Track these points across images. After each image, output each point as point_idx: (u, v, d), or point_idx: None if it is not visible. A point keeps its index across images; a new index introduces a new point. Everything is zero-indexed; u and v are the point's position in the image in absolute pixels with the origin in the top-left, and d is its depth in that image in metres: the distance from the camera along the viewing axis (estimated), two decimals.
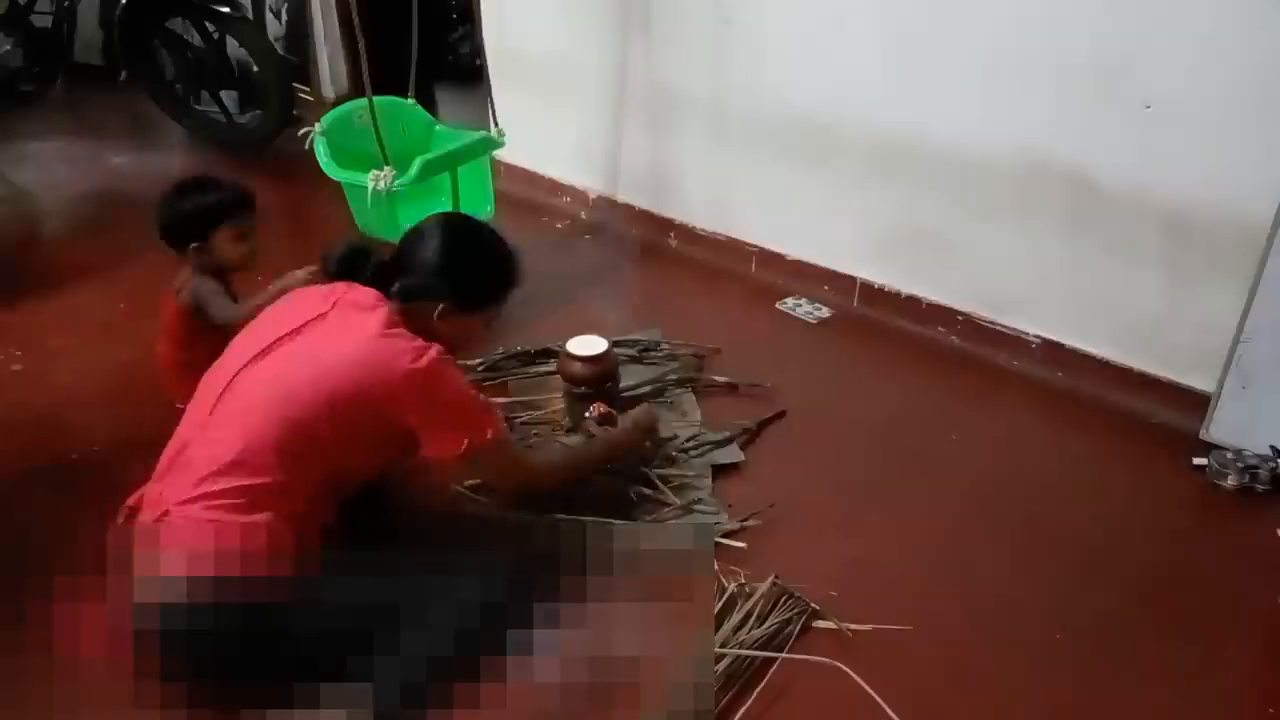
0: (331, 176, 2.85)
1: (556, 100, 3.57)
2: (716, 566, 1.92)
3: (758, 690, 1.66)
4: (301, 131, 3.00)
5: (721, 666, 1.66)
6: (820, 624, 1.81)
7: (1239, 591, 1.95)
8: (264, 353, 1.59)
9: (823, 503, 2.17)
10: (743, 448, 2.33)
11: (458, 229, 1.79)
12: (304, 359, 1.58)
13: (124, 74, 4.41)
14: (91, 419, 2.45)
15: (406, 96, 3.14)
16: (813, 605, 1.82)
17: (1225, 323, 2.26)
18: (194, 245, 2.20)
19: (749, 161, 3.13)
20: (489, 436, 1.71)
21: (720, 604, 1.80)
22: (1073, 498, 2.21)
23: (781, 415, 2.46)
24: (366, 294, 1.68)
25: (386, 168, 2.63)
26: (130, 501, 1.68)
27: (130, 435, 2.36)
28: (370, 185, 2.61)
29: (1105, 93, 2.33)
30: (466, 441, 1.67)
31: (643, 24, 3.20)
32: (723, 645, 1.71)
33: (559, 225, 3.59)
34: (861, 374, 2.72)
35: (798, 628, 1.78)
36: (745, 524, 2.06)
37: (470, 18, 3.46)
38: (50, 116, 4.39)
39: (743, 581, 1.86)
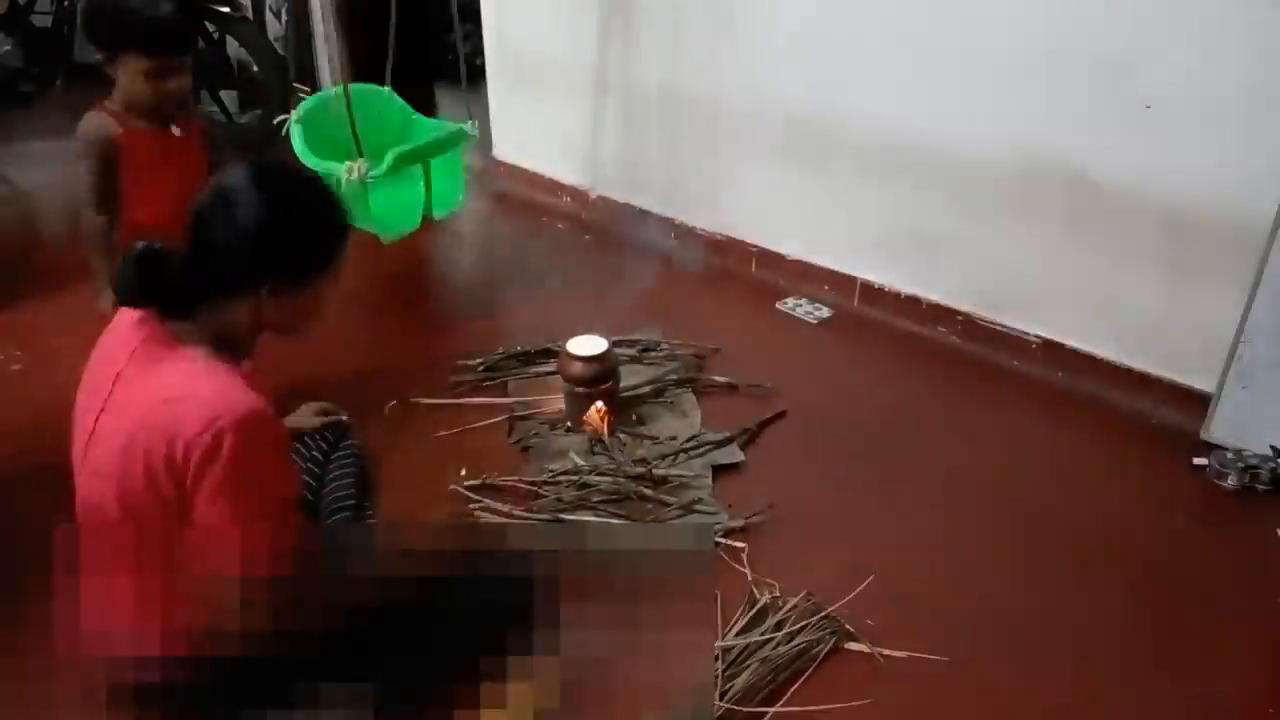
0: (306, 164, 2.85)
1: (557, 100, 3.57)
2: (750, 576, 1.92)
3: (781, 702, 1.66)
4: (278, 119, 3.00)
5: (742, 679, 1.66)
6: (852, 646, 1.78)
7: (1239, 591, 1.95)
8: (89, 441, 1.34)
9: (823, 502, 2.17)
10: (743, 448, 2.33)
11: (263, 185, 1.33)
12: (111, 447, 1.29)
13: None
14: None
15: (383, 85, 3.15)
16: (846, 627, 1.81)
17: (1225, 323, 2.26)
18: (97, 56, 1.89)
19: (749, 161, 3.13)
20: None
21: (752, 613, 1.80)
22: (1073, 497, 2.21)
23: (781, 415, 2.45)
24: (162, 338, 1.32)
25: (360, 159, 2.64)
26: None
27: None
28: (344, 176, 2.62)
29: (1105, 93, 2.33)
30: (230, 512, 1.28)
31: (643, 24, 3.19)
32: (749, 656, 1.70)
33: (559, 225, 3.59)
34: (861, 374, 2.72)
35: (827, 648, 1.77)
36: (746, 524, 2.06)
37: (471, 17, 3.46)
38: (50, 116, 4.37)
39: (777, 594, 1.86)
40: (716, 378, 2.60)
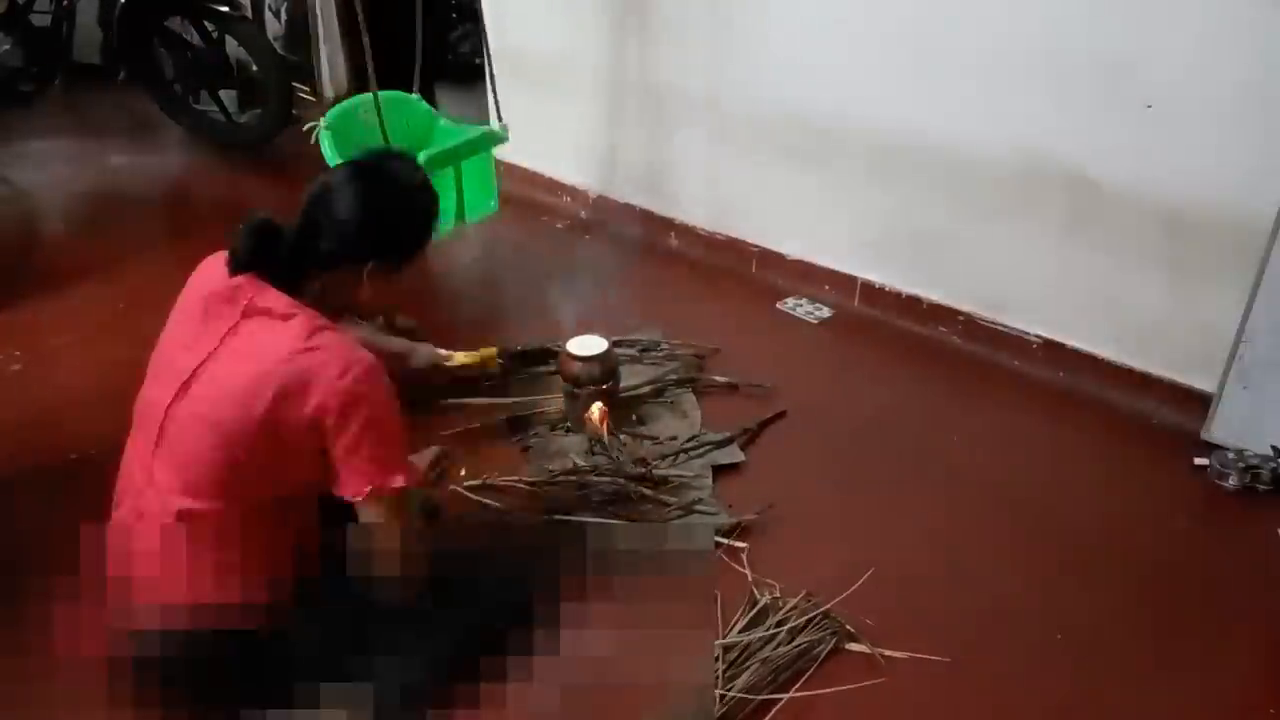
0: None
1: (557, 99, 3.57)
2: (750, 576, 1.92)
3: (783, 703, 1.66)
4: (306, 126, 2.99)
5: (743, 679, 1.65)
6: (853, 647, 1.78)
7: (1239, 591, 1.95)
8: (187, 385, 1.44)
9: (823, 502, 2.17)
10: (743, 448, 2.33)
11: (369, 176, 1.53)
12: (226, 387, 1.42)
13: (123, 74, 4.40)
14: (91, 419, 2.44)
15: (411, 92, 3.14)
16: (847, 628, 1.81)
17: (1226, 323, 2.26)
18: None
19: (750, 161, 3.12)
20: (397, 485, 1.46)
21: (752, 613, 1.80)
22: (1074, 498, 2.20)
23: (781, 415, 2.45)
24: (276, 299, 1.46)
25: None
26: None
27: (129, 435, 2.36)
28: None
29: (1105, 93, 2.32)
30: (370, 488, 1.44)
31: (643, 23, 3.19)
32: (750, 655, 1.70)
33: (559, 225, 3.59)
34: (862, 374, 2.72)
35: (828, 648, 1.77)
36: (744, 524, 2.06)
37: (472, 16, 3.45)
38: (50, 116, 4.39)
39: (777, 595, 1.85)
40: (716, 378, 2.60)
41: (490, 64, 3.14)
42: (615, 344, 2.43)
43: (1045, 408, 2.54)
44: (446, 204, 2.84)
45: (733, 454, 2.30)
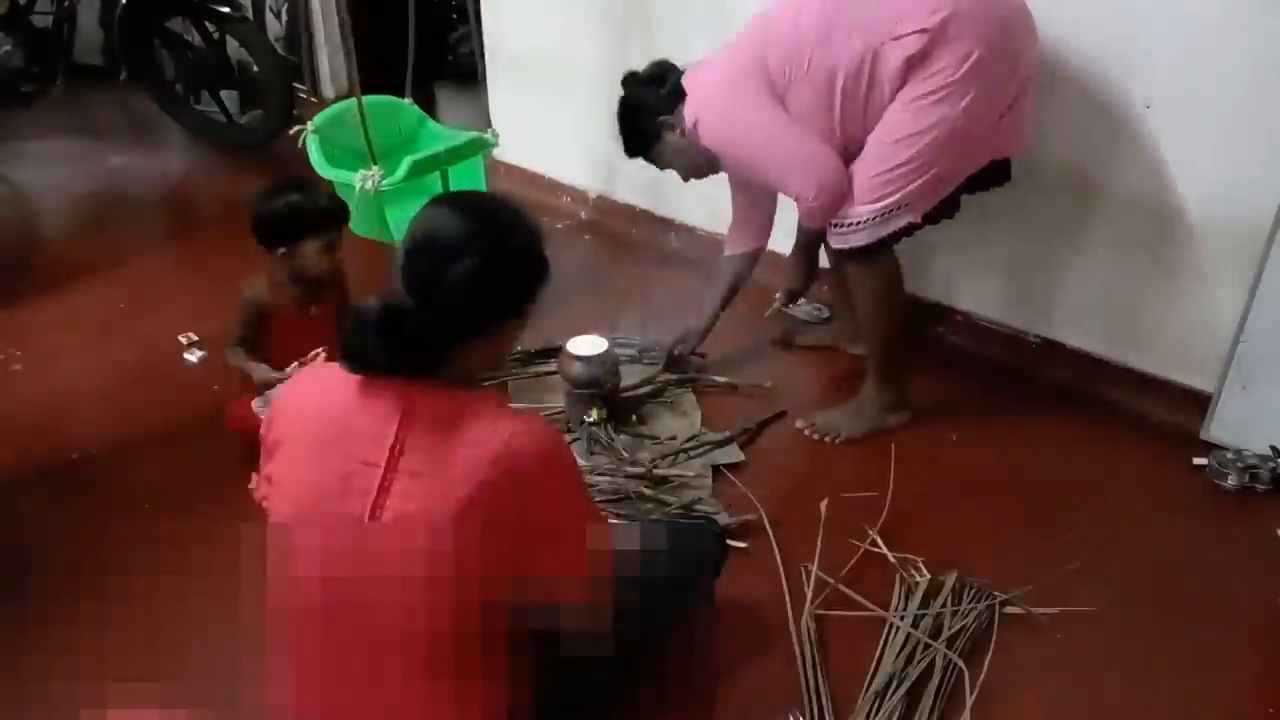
0: (322, 175, 2.84)
1: (556, 100, 3.57)
2: (894, 558, 1.95)
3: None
4: (294, 130, 2.99)
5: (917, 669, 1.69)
6: (1011, 610, 1.85)
7: (1239, 591, 1.95)
8: (361, 528, 1.19)
9: (823, 503, 2.17)
10: (742, 448, 2.33)
11: (478, 226, 1.27)
12: (431, 518, 1.18)
13: (124, 74, 4.40)
14: (91, 419, 2.45)
15: (403, 97, 3.13)
16: (998, 595, 1.86)
17: (1225, 323, 2.26)
18: (281, 250, 2.15)
19: None
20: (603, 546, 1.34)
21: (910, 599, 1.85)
22: (1072, 497, 2.20)
23: (782, 415, 2.46)
24: (434, 392, 1.23)
25: (375, 167, 2.62)
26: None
27: (130, 435, 2.37)
28: (358, 185, 2.60)
29: (1106, 92, 2.33)
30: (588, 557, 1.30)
31: (642, 23, 3.19)
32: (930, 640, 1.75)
33: (559, 225, 3.59)
34: (861, 374, 2.71)
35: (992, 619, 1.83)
36: (745, 523, 2.06)
37: (470, 17, 3.46)
38: (50, 116, 4.39)
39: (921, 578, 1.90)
40: (716, 378, 2.60)
41: (484, 68, 3.13)
42: (615, 344, 2.43)
43: (1044, 407, 2.54)
44: None
45: (732, 454, 2.30)
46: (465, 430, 1.20)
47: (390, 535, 1.19)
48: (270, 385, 2.16)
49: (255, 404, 2.19)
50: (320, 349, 2.17)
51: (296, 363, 2.17)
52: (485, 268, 1.23)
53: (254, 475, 1.39)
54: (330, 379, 1.26)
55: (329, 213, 2.18)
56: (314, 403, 1.28)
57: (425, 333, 1.21)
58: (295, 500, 1.24)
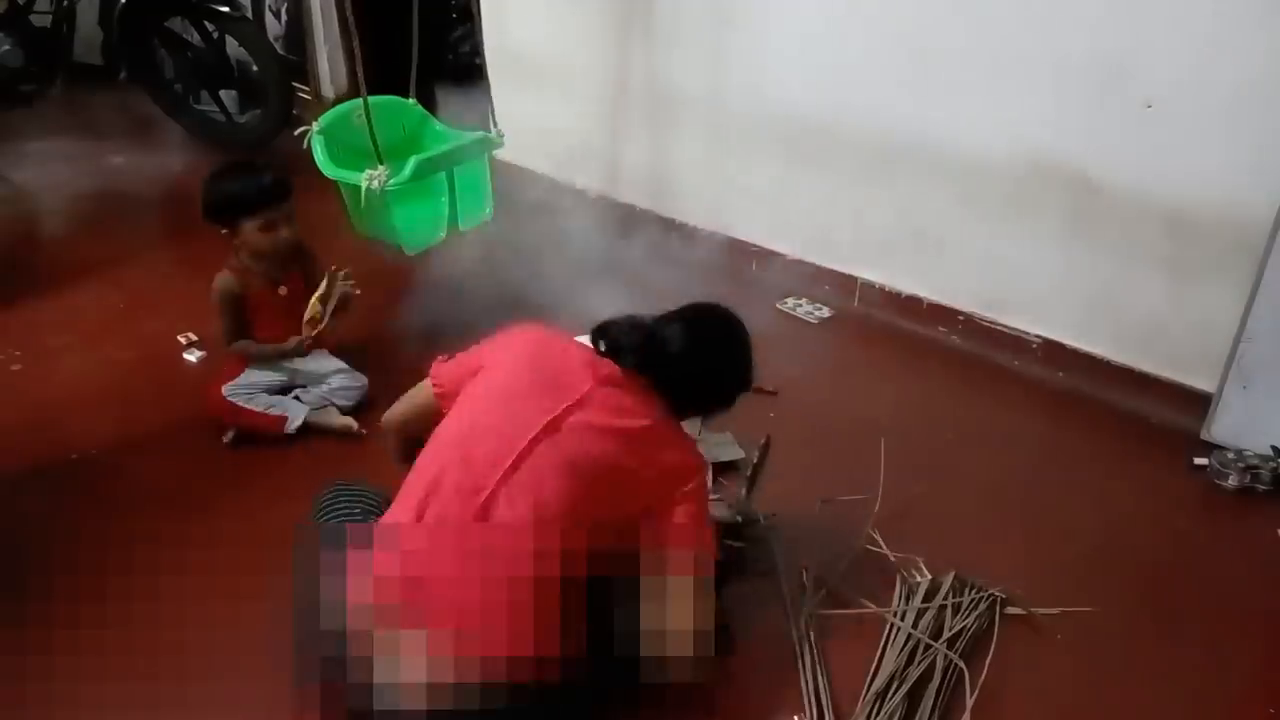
0: (327, 175, 2.84)
1: (556, 100, 3.57)
2: (894, 558, 1.95)
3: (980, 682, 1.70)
4: (299, 130, 2.99)
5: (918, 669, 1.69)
6: (1011, 610, 1.85)
7: (1239, 591, 1.95)
8: (554, 425, 1.48)
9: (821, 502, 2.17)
10: (750, 485, 2.28)
11: (733, 351, 1.73)
12: (595, 443, 1.49)
13: (124, 74, 4.41)
14: (91, 419, 2.45)
15: (407, 97, 3.13)
16: (998, 595, 1.86)
17: (1226, 323, 2.26)
18: (223, 230, 2.28)
19: (749, 161, 3.13)
20: (711, 560, 1.62)
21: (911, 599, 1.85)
22: (1073, 498, 2.20)
23: (767, 443, 2.42)
24: (629, 382, 1.57)
25: (381, 167, 2.62)
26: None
27: (130, 435, 2.37)
28: (364, 184, 2.60)
29: (1105, 93, 2.33)
30: (694, 550, 1.57)
31: (643, 24, 3.19)
32: (931, 640, 1.75)
33: (558, 226, 3.59)
34: (862, 374, 2.72)
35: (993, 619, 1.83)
36: (744, 523, 2.06)
37: (470, 17, 3.45)
38: (50, 116, 4.39)
39: (922, 578, 1.90)
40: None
41: (487, 69, 3.13)
42: None
43: (1045, 408, 2.54)
44: (439, 210, 2.84)
45: (733, 451, 2.30)
46: (646, 404, 1.55)
47: (572, 434, 1.48)
48: (285, 357, 2.37)
49: (225, 389, 2.32)
50: (341, 271, 2.33)
51: (306, 328, 2.33)
52: (726, 377, 1.69)
53: (439, 359, 1.70)
54: (554, 342, 1.63)
55: (263, 191, 2.27)
56: (531, 349, 1.60)
57: (673, 368, 1.60)
58: (491, 387, 1.56)
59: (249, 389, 2.34)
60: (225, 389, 2.32)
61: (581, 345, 1.64)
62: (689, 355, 1.61)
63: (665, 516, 1.55)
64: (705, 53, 3.08)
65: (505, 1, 3.53)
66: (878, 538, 2.00)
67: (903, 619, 1.80)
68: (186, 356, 2.68)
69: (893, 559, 1.96)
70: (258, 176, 2.28)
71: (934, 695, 1.64)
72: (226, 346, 2.38)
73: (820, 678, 1.69)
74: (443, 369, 1.69)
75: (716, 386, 1.68)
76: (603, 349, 1.62)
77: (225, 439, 2.33)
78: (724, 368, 1.68)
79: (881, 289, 2.97)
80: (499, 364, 1.59)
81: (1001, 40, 2.45)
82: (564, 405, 1.49)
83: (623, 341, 1.61)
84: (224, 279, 2.33)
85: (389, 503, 1.55)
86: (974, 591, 1.87)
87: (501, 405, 1.52)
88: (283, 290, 2.38)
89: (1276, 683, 1.76)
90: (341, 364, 2.48)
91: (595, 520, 1.46)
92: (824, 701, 1.65)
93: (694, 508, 1.57)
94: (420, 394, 1.72)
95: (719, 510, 2.08)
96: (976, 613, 1.82)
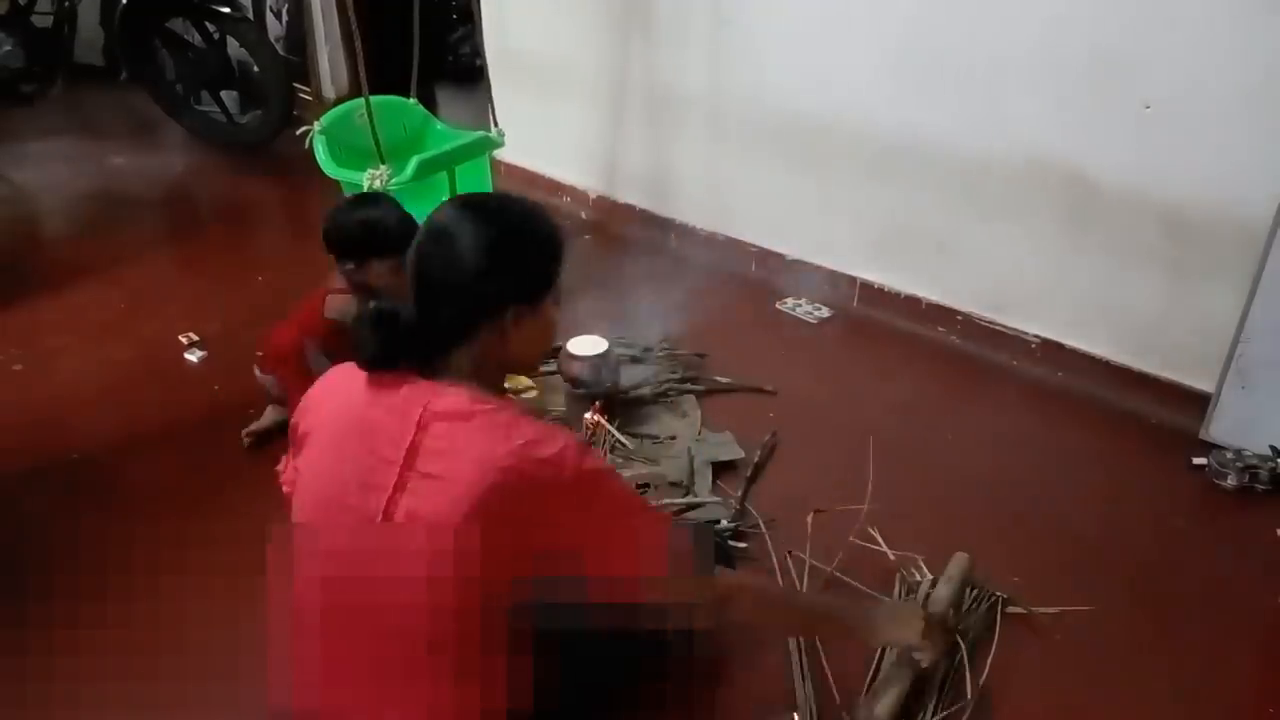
0: (329, 174, 2.85)
1: (556, 100, 3.57)
2: (893, 555, 1.95)
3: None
4: (300, 130, 3.00)
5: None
6: (1013, 609, 1.85)
7: (1239, 591, 1.95)
8: (374, 528, 1.20)
9: (822, 502, 2.16)
10: (751, 481, 2.29)
11: (480, 213, 1.29)
12: (434, 519, 1.18)
13: (124, 74, 4.41)
14: (92, 419, 2.45)
15: (408, 97, 3.14)
16: (1000, 595, 1.86)
17: (1225, 323, 2.26)
18: (350, 265, 2.16)
19: (749, 161, 3.13)
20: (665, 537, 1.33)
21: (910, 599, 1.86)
22: (1072, 497, 2.21)
23: (772, 394, 2.43)
24: (452, 395, 1.22)
25: (383, 166, 2.63)
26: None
27: (130, 435, 2.37)
28: (366, 184, 2.61)
29: (1105, 93, 2.33)
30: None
31: (643, 24, 3.20)
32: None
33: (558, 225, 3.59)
34: (861, 374, 2.72)
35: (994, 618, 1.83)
36: (744, 522, 2.06)
37: (471, 18, 3.46)
38: (50, 116, 4.40)
39: (926, 577, 1.89)
40: (717, 378, 2.60)
41: (487, 69, 3.14)
42: (615, 344, 2.43)
43: (1044, 408, 2.54)
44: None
45: (732, 451, 2.30)
46: (480, 435, 1.19)
47: (398, 536, 1.19)
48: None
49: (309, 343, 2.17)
50: None
51: None
52: (482, 247, 1.24)
53: (283, 459, 1.43)
54: (358, 376, 1.28)
55: (404, 234, 2.11)
56: (340, 398, 1.30)
57: (426, 324, 1.25)
58: (317, 492, 1.27)
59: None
60: (309, 342, 2.16)
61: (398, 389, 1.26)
62: (445, 284, 1.26)
63: (604, 567, 1.26)
64: (705, 53, 3.08)
65: (505, 2, 3.53)
66: (877, 536, 2.01)
67: None
68: (187, 356, 2.68)
69: (892, 558, 1.96)
70: (396, 214, 2.14)
71: (935, 695, 1.65)
72: (310, 360, 2.17)
73: (815, 677, 1.69)
74: (286, 472, 1.45)
75: (516, 268, 1.28)
76: (381, 361, 1.27)
77: (245, 441, 2.28)
78: (508, 244, 1.27)
79: (881, 289, 2.97)
80: (309, 463, 1.31)
81: (1002, 41, 2.45)
82: (387, 490, 1.20)
83: (378, 340, 1.26)
84: (342, 307, 2.17)
85: None
86: (974, 591, 1.87)
87: (321, 525, 1.26)
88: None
89: (1276, 683, 1.76)
90: None
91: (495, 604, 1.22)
92: (822, 700, 1.65)
93: (625, 540, 1.27)
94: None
95: (715, 511, 2.09)
96: (978, 612, 1.82)
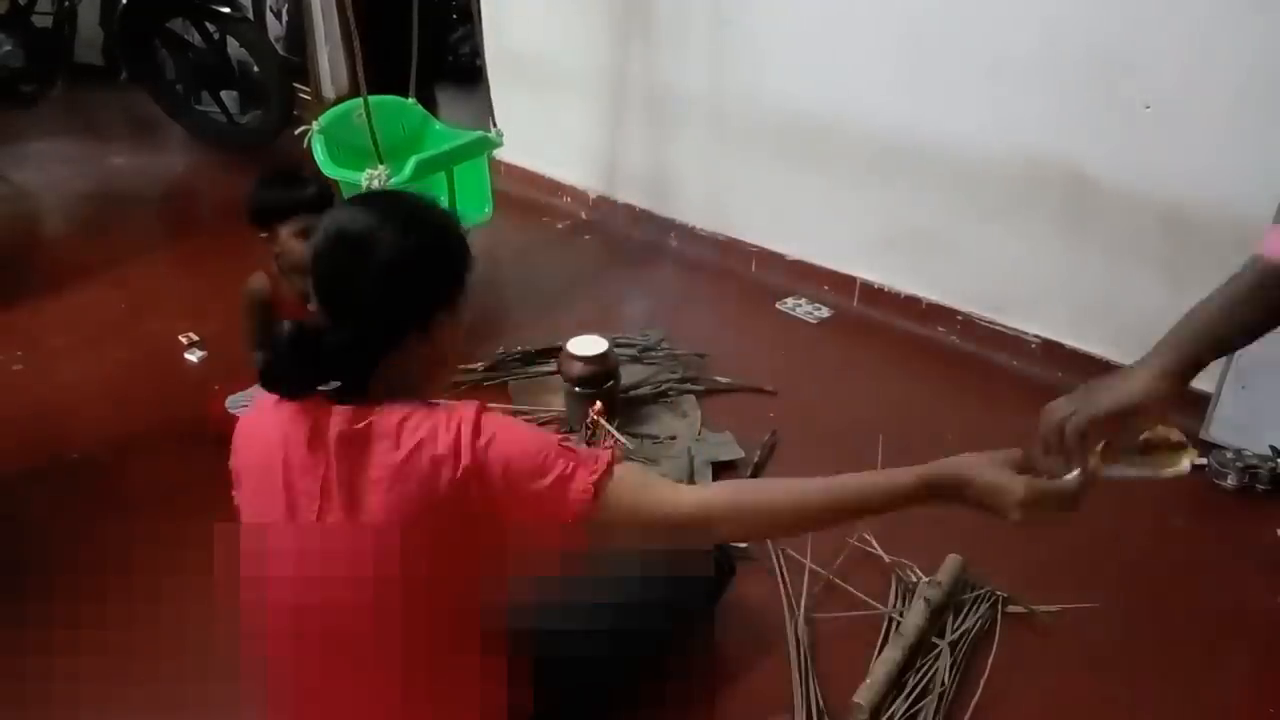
0: (328, 174, 2.85)
1: (556, 100, 3.57)
2: (889, 559, 1.94)
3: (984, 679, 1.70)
4: (299, 130, 3.00)
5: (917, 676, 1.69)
6: (1013, 609, 1.85)
7: (1239, 591, 1.95)
8: (302, 555, 1.21)
9: None
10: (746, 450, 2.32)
11: (391, 220, 1.19)
12: (354, 549, 1.17)
13: (125, 74, 4.41)
14: (91, 419, 2.45)
15: (408, 97, 3.14)
16: (1000, 594, 1.86)
17: None
18: (262, 234, 2.22)
19: (749, 161, 3.13)
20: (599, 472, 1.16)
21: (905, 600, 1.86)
22: None
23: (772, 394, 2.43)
24: (351, 413, 1.16)
25: (381, 166, 2.63)
26: None
27: (130, 435, 2.37)
28: (364, 184, 2.61)
29: (1105, 93, 2.33)
30: (589, 495, 1.14)
31: (643, 24, 3.20)
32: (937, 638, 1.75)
33: (559, 225, 3.60)
34: (861, 374, 2.72)
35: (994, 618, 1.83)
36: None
37: (470, 18, 3.46)
38: (50, 116, 4.39)
39: (928, 579, 1.88)
40: (717, 378, 2.60)
41: (487, 69, 3.14)
42: (615, 344, 2.43)
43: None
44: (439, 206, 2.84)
45: (732, 450, 2.30)
46: (378, 449, 1.14)
47: (330, 539, 1.18)
48: None
49: (228, 402, 2.27)
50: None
51: None
52: (393, 257, 1.16)
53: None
54: (269, 417, 1.21)
55: (307, 200, 2.21)
56: (262, 431, 1.24)
57: (345, 344, 1.16)
58: (249, 540, 1.28)
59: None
60: (229, 401, 2.27)
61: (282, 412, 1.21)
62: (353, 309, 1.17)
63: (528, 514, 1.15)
64: (705, 53, 3.08)
65: (505, 2, 3.53)
66: (870, 539, 2.00)
67: (903, 616, 1.80)
68: (187, 357, 2.69)
69: (887, 560, 1.96)
70: (302, 183, 2.23)
71: (935, 695, 1.65)
72: (250, 351, 2.23)
73: (816, 678, 1.69)
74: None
75: (423, 286, 1.19)
76: (298, 389, 1.20)
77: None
78: (415, 261, 1.18)
79: (880, 289, 2.97)
80: (243, 505, 1.32)
81: (1002, 41, 2.45)
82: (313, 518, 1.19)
83: (290, 366, 1.17)
84: (257, 279, 2.25)
85: None
86: (974, 591, 1.87)
87: (263, 569, 1.26)
88: (311, 307, 2.30)
89: (1275, 682, 1.76)
90: None
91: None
92: (822, 702, 1.65)
93: (551, 489, 1.13)
94: None
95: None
96: (978, 612, 1.82)
